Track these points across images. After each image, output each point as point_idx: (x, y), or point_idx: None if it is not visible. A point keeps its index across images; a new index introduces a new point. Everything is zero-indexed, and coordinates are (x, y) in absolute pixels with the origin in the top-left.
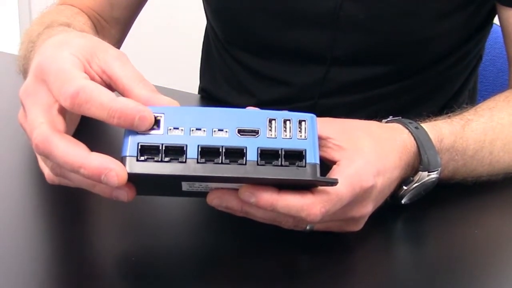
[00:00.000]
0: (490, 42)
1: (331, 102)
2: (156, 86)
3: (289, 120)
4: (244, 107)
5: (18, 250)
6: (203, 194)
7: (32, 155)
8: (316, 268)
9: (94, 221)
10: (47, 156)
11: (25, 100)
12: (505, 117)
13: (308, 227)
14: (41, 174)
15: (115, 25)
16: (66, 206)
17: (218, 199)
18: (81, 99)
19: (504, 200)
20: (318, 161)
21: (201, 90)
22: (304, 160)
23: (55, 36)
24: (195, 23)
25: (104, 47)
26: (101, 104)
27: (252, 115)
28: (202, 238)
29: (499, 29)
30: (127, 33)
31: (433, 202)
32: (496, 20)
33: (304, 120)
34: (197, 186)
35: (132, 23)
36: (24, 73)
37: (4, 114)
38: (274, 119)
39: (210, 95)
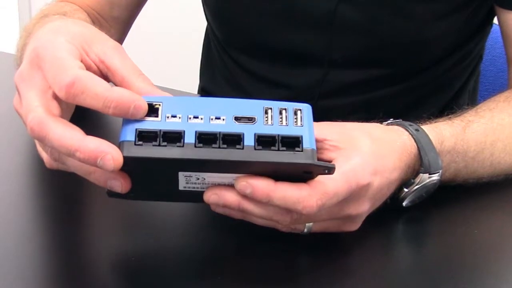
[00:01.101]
0: (490, 42)
1: (330, 104)
2: (156, 86)
3: (285, 109)
4: None
5: (18, 250)
6: (199, 197)
7: (32, 155)
8: (315, 269)
9: (94, 221)
10: (42, 140)
11: (20, 84)
12: (506, 118)
13: (305, 230)
14: (40, 174)
15: (115, 24)
16: (66, 206)
17: (215, 195)
18: (77, 90)
19: (504, 200)
20: (314, 147)
21: (201, 89)
22: (301, 145)
23: (52, 23)
24: (195, 22)
25: (103, 37)
26: (97, 94)
27: (248, 105)
28: (201, 238)
29: (499, 28)
30: (127, 33)
31: (433, 203)
32: (496, 20)
33: (300, 109)
34: (194, 181)
35: (132, 23)
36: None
37: (4, 114)
38: (270, 108)
39: (209, 95)
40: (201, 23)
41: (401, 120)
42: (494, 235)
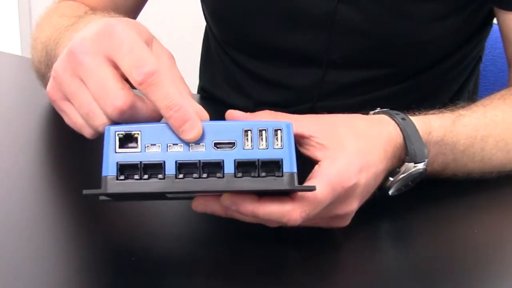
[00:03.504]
0: (490, 42)
1: (330, 104)
2: None
3: (265, 130)
4: (237, 108)
5: (18, 251)
6: (189, 197)
7: (32, 155)
8: (305, 263)
9: (94, 222)
10: (131, 117)
11: (84, 57)
12: (499, 114)
13: None
14: (41, 174)
15: None
16: (66, 206)
17: (202, 206)
18: (154, 80)
19: (503, 199)
20: (295, 170)
21: (201, 89)
22: (281, 170)
23: (108, 18)
24: (194, 22)
25: (159, 43)
26: (168, 93)
27: (227, 128)
28: (198, 235)
29: (499, 29)
30: None
31: (432, 202)
32: (496, 20)
33: (280, 129)
34: (181, 195)
35: None
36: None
37: (4, 114)
38: (250, 130)
39: (209, 95)
40: (200, 23)
41: (388, 109)
42: (494, 234)
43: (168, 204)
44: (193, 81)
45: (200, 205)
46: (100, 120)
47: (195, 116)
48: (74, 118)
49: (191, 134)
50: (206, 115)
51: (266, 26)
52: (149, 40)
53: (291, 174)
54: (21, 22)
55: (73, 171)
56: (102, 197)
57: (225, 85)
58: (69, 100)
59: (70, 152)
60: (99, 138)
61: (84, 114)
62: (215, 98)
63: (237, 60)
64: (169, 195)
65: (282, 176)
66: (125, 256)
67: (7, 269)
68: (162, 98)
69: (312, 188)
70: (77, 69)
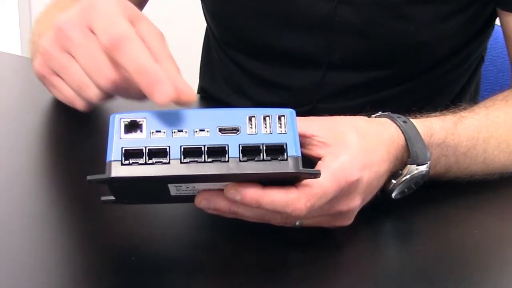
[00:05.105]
0: (490, 42)
1: (330, 106)
2: None
3: (269, 116)
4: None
5: (17, 250)
6: (191, 199)
7: (32, 155)
8: (306, 264)
9: (94, 222)
10: (125, 89)
11: (69, 30)
12: (501, 116)
13: (297, 223)
14: (42, 173)
15: None
16: (66, 206)
17: (206, 201)
18: (121, 44)
19: (503, 199)
20: (299, 154)
21: (201, 90)
22: (285, 154)
23: None
24: (195, 22)
25: (149, 21)
26: (136, 57)
27: (232, 114)
28: (198, 236)
29: (500, 29)
30: None
31: (433, 203)
32: (497, 20)
33: (283, 115)
34: (184, 189)
35: None
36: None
37: (4, 114)
38: (254, 116)
39: (209, 96)
40: (201, 23)
41: (389, 112)
42: (494, 235)
43: (169, 204)
44: (193, 82)
45: (203, 200)
46: (92, 91)
47: (165, 79)
48: (65, 92)
49: (160, 97)
50: (193, 93)
51: (266, 27)
52: (134, 17)
53: (296, 157)
54: (21, 22)
55: (73, 172)
56: (104, 198)
57: (225, 86)
58: (58, 75)
59: (71, 152)
60: (102, 137)
61: (76, 87)
62: (215, 99)
63: (237, 61)
64: (173, 193)
65: (286, 159)
66: (125, 256)
67: (6, 268)
68: (129, 62)
69: (317, 172)
70: (66, 44)
